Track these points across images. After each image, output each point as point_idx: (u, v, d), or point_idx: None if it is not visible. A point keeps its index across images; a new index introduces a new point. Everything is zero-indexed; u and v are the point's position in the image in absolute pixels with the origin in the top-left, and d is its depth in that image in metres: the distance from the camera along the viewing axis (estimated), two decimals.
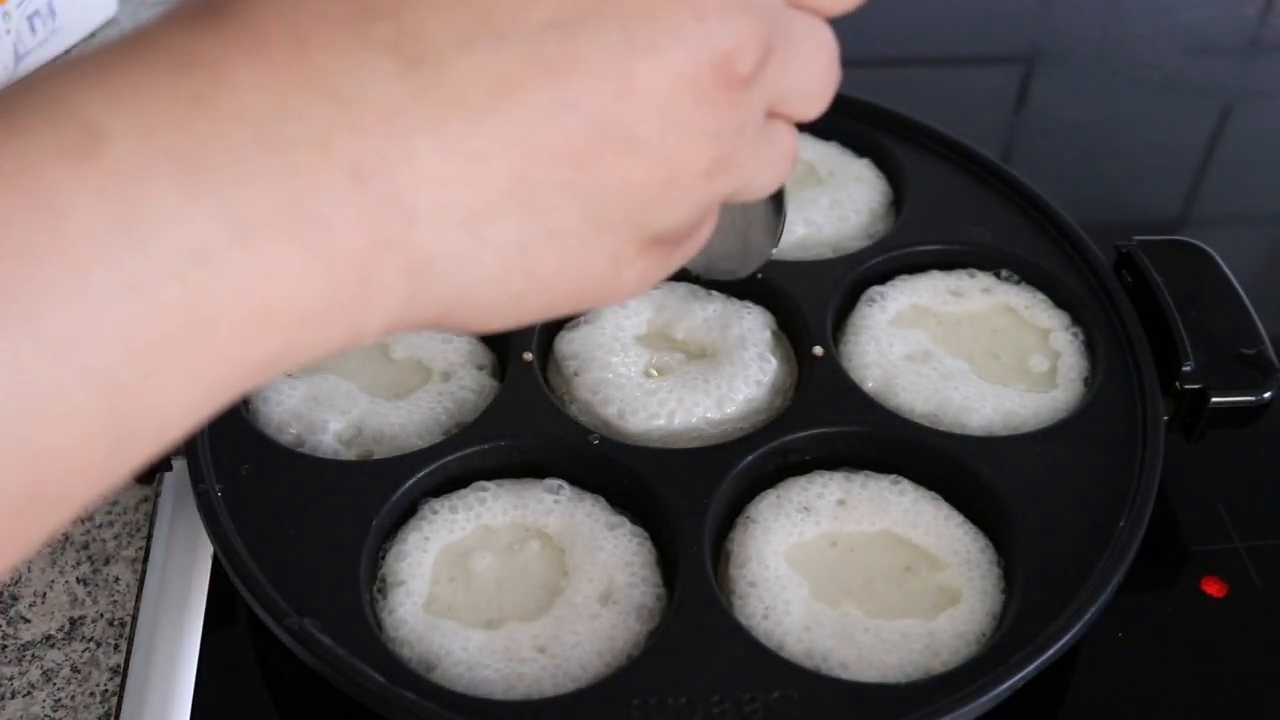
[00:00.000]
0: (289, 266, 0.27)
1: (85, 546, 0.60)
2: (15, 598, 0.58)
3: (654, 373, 0.61)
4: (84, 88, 0.25)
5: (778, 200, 0.52)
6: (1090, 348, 0.63)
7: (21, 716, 0.54)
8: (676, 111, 0.31)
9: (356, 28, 0.28)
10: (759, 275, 0.64)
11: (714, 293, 0.64)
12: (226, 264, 0.26)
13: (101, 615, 0.57)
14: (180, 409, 0.27)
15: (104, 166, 0.24)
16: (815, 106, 0.36)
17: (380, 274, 0.29)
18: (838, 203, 0.70)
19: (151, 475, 0.56)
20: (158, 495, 0.61)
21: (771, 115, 0.35)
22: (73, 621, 0.57)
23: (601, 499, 0.55)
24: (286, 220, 0.26)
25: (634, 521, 0.55)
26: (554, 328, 0.62)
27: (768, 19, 0.32)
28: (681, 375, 0.60)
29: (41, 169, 0.24)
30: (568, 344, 0.61)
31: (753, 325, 0.62)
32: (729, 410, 0.59)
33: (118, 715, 0.53)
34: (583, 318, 0.62)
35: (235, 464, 0.54)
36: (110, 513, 0.61)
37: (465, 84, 0.28)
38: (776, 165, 0.37)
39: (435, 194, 0.28)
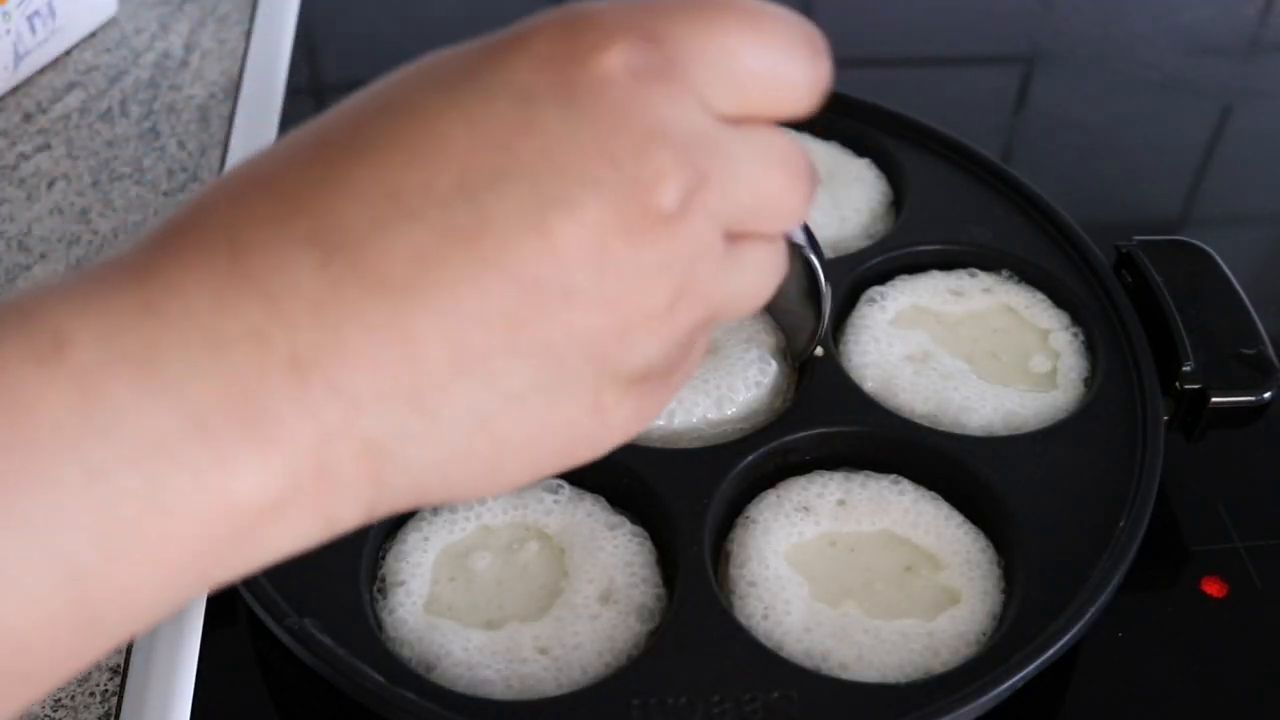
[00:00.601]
0: (244, 456, 0.28)
1: None
2: None
3: None
4: (54, 301, 0.27)
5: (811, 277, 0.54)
6: (1090, 348, 0.63)
7: (21, 716, 0.54)
8: (610, 255, 0.30)
9: (282, 225, 0.28)
10: None
11: None
12: (184, 453, 0.27)
13: None
14: (146, 595, 0.28)
15: (68, 368, 0.26)
16: (783, 219, 0.34)
17: (337, 461, 0.29)
18: (838, 203, 0.70)
19: None
20: None
21: (736, 236, 0.33)
22: None
23: (602, 499, 0.55)
24: (237, 413, 0.27)
25: (634, 521, 0.55)
26: None
27: (695, 144, 0.30)
28: None
29: (13, 370, 0.26)
30: None
31: (756, 327, 0.62)
32: (729, 411, 0.59)
33: (118, 715, 0.53)
34: None
35: None
36: None
37: (383, 266, 0.28)
38: (754, 284, 0.35)
39: (374, 378, 0.29)
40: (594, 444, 0.33)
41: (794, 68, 0.32)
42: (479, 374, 0.30)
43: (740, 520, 0.55)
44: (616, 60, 0.30)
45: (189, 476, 0.27)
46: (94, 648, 0.28)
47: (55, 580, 0.26)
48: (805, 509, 0.55)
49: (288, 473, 0.28)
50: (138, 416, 0.27)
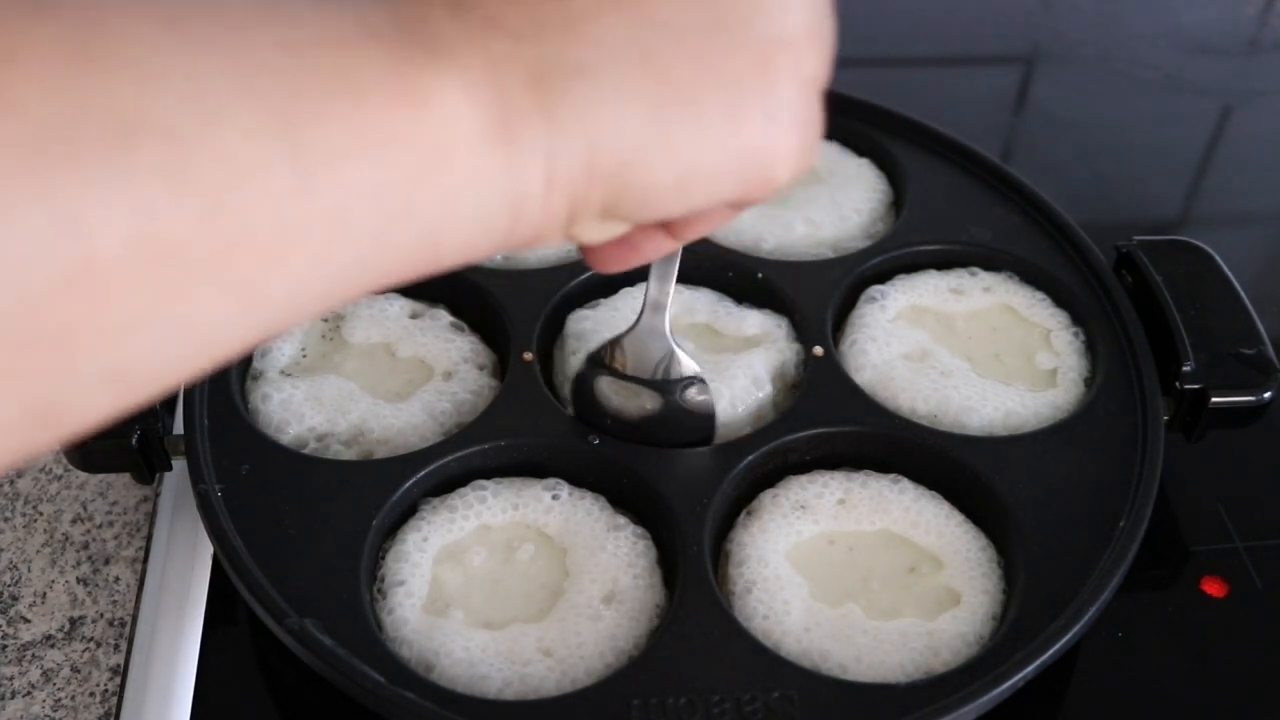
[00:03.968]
0: (422, 60, 0.29)
1: (85, 546, 0.60)
2: (15, 598, 0.58)
3: None
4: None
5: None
6: (1090, 348, 0.63)
7: (21, 716, 0.54)
8: None
9: None
10: (759, 275, 0.64)
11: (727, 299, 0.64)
12: (368, 49, 0.29)
13: (101, 615, 0.57)
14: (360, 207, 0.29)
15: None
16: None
17: (508, 88, 0.30)
18: (838, 203, 0.70)
19: (151, 475, 0.56)
20: (158, 495, 0.62)
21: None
22: (73, 621, 0.57)
23: (602, 499, 0.55)
24: (410, 31, 0.29)
25: (635, 522, 0.55)
26: (556, 325, 0.63)
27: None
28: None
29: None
30: (579, 322, 0.61)
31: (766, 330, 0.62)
32: (736, 410, 0.59)
33: (118, 715, 0.53)
34: (600, 299, 0.63)
35: (235, 464, 0.54)
36: (110, 513, 0.61)
37: None
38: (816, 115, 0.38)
39: (527, 10, 0.31)
40: (766, 131, 0.35)
41: None
42: (629, 4, 0.32)
43: (740, 520, 0.55)
44: None
45: (376, 68, 0.28)
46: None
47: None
48: (805, 508, 0.55)
49: (464, 87, 0.29)
50: (323, 20, 0.28)
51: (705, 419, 0.56)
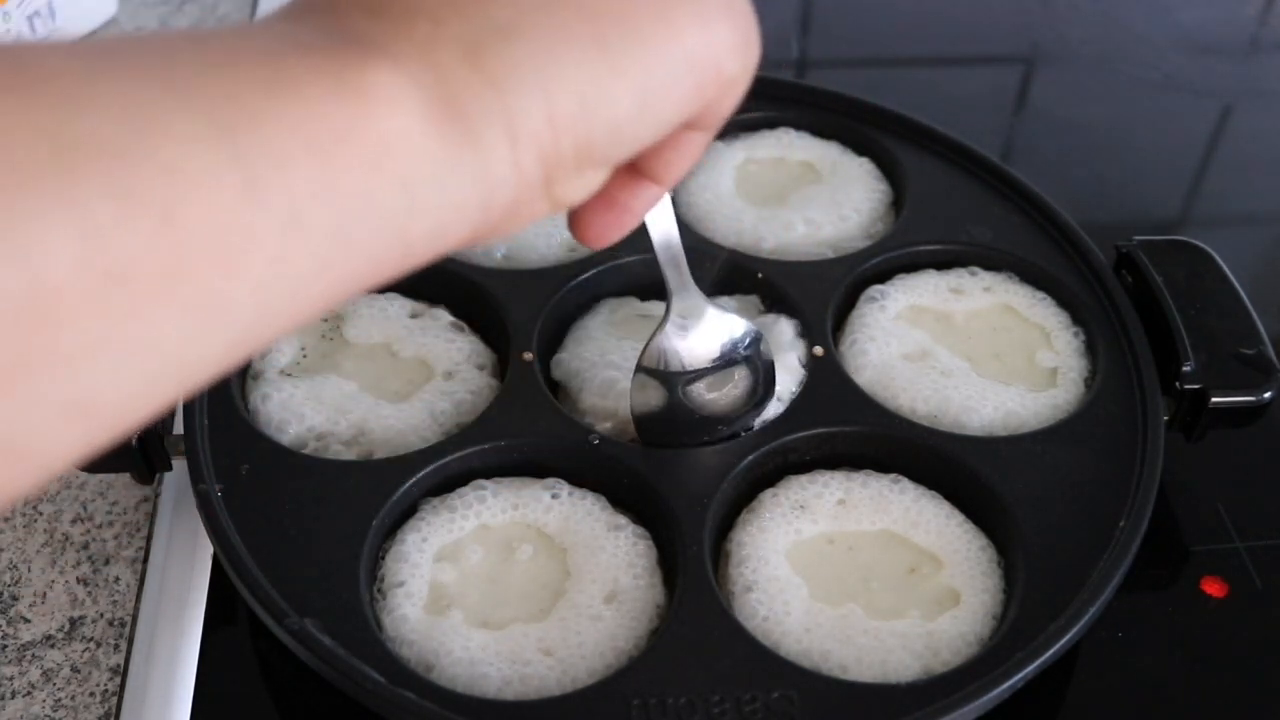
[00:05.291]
0: (379, 74, 0.30)
1: (85, 546, 0.60)
2: (15, 598, 0.58)
3: None
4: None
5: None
6: (1090, 348, 0.63)
7: (21, 716, 0.54)
8: None
9: None
10: (759, 275, 0.64)
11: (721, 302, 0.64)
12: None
13: (101, 615, 0.57)
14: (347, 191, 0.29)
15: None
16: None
17: (447, 68, 0.31)
18: (838, 203, 0.70)
19: (151, 475, 0.56)
20: (158, 495, 0.62)
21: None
22: (73, 621, 0.57)
23: (602, 499, 0.55)
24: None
25: (635, 522, 0.55)
26: (556, 325, 0.63)
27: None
28: None
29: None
30: (562, 365, 0.61)
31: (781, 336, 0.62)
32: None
33: (118, 715, 0.53)
34: (569, 339, 0.62)
35: (235, 464, 0.54)
36: (110, 513, 0.61)
37: None
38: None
39: None
40: (703, 32, 0.35)
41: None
42: None
43: (740, 520, 0.55)
44: None
45: (310, 70, 0.28)
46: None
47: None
48: (806, 508, 0.55)
49: (400, 74, 0.30)
50: (249, 38, 0.29)
51: (771, 370, 0.56)
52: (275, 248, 0.27)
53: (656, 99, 0.35)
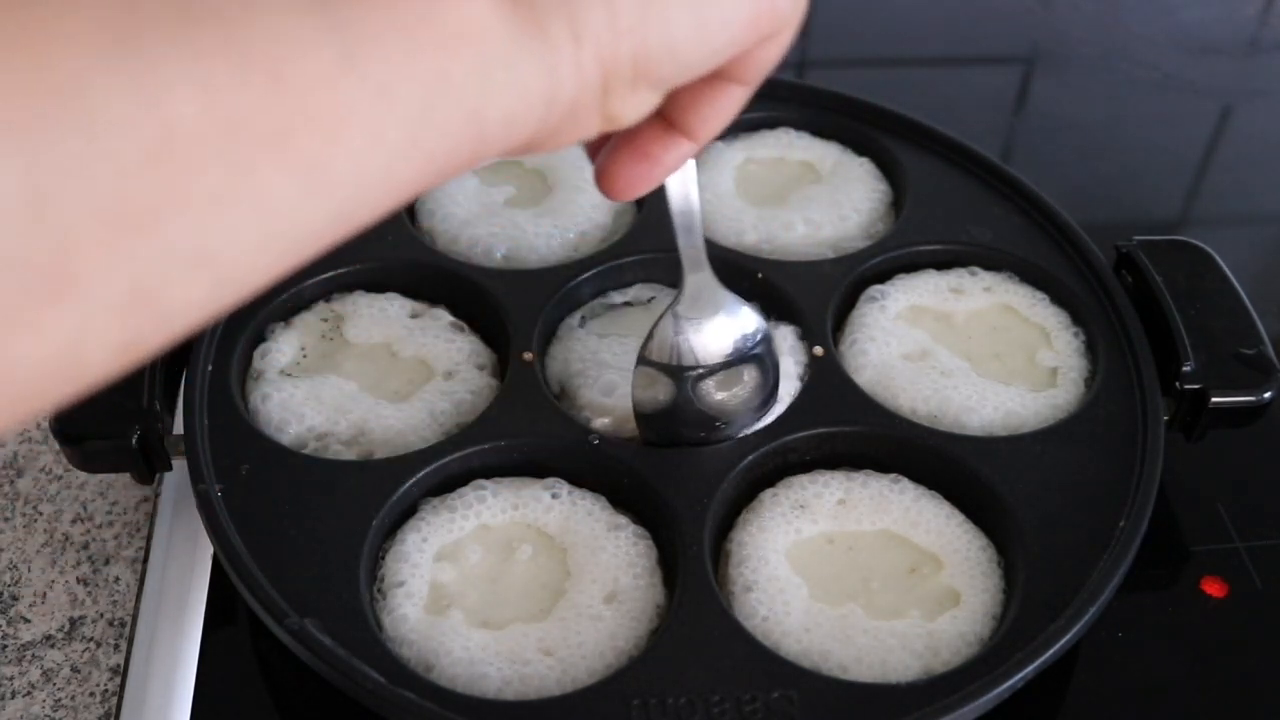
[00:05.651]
0: None
1: (85, 546, 0.60)
2: (15, 598, 0.58)
3: None
4: None
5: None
6: (1090, 348, 0.63)
7: (21, 716, 0.54)
8: None
9: None
10: (759, 275, 0.64)
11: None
12: None
13: (101, 615, 0.57)
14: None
15: None
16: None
17: None
18: (838, 203, 0.70)
19: (151, 475, 0.56)
20: (158, 495, 0.62)
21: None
22: (73, 621, 0.57)
23: (602, 499, 0.55)
24: None
25: (635, 522, 0.55)
26: (557, 325, 0.63)
27: None
28: None
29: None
30: (557, 371, 0.61)
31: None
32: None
33: (118, 715, 0.53)
34: (569, 338, 0.62)
35: (235, 464, 0.54)
36: (110, 513, 0.61)
37: None
38: None
39: None
40: None
41: None
42: None
43: (740, 520, 0.55)
44: None
45: None
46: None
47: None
48: (805, 508, 0.55)
49: None
50: None
51: (778, 370, 0.56)
52: (368, 119, 0.29)
53: (714, 24, 0.36)
